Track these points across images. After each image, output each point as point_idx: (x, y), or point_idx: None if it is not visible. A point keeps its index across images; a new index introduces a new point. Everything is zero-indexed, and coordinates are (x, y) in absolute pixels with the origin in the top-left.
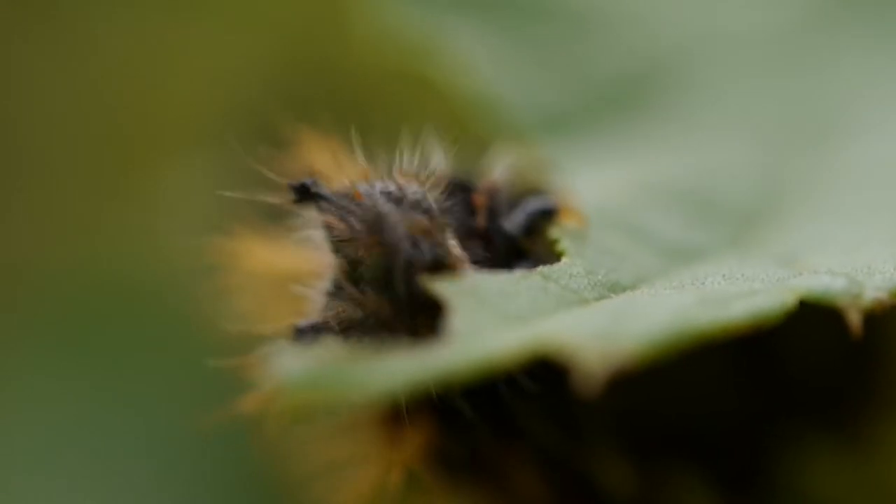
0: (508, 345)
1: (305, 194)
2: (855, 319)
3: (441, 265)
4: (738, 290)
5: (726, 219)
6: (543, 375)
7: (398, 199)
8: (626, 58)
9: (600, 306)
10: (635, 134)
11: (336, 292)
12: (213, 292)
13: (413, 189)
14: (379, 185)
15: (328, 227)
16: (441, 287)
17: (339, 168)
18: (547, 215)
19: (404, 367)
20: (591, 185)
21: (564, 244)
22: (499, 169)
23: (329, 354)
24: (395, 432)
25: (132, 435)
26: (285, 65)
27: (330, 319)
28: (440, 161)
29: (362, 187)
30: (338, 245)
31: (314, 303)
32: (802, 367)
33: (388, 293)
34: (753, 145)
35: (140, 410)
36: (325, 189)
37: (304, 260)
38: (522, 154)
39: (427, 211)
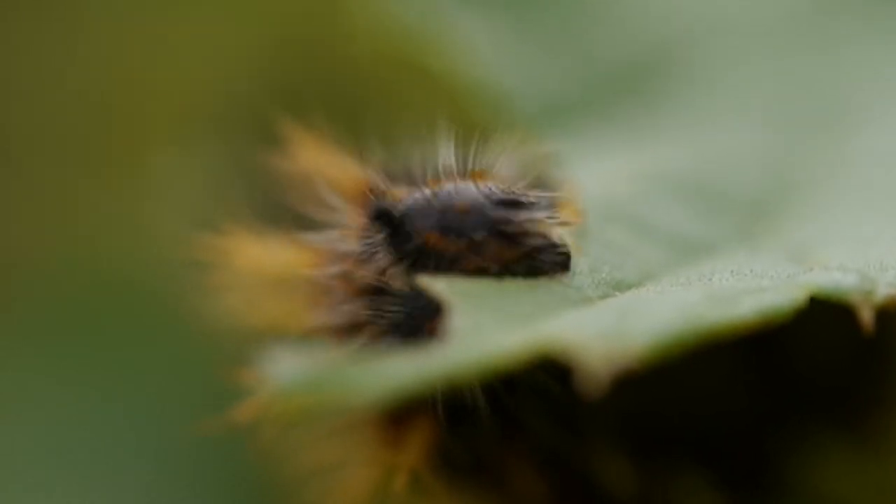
0: (510, 345)
1: (390, 220)
2: (867, 317)
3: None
4: (746, 286)
5: (734, 211)
6: (547, 375)
7: (513, 203)
8: (631, 46)
9: (605, 305)
10: (639, 123)
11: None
12: (206, 289)
13: (506, 190)
14: (481, 191)
15: (429, 248)
16: (439, 287)
17: (331, 160)
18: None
19: (403, 369)
20: (595, 176)
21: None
22: (504, 165)
23: (326, 357)
24: (395, 433)
25: (123, 435)
26: (279, 52)
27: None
28: (448, 156)
29: (460, 198)
30: (441, 262)
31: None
32: (811, 364)
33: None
34: (760, 135)
35: (132, 410)
36: (413, 209)
37: (301, 258)
38: (526, 147)
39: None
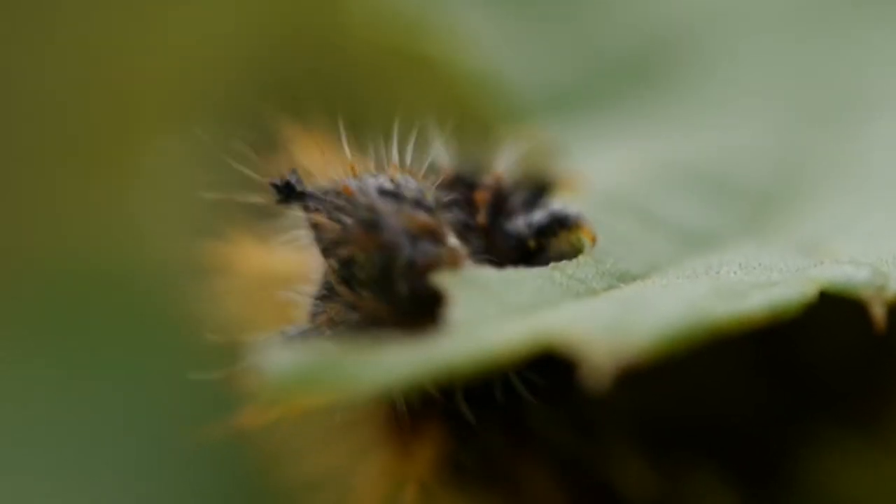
0: (511, 337)
1: (290, 193)
2: (879, 312)
3: (443, 264)
4: (755, 280)
5: (742, 202)
6: (553, 373)
7: (395, 195)
8: (634, 34)
9: (609, 297)
10: (645, 113)
11: (327, 295)
12: (195, 289)
13: (411, 184)
14: (373, 180)
15: (316, 227)
16: (440, 278)
17: (326, 157)
18: (563, 225)
19: (401, 360)
20: (600, 166)
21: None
22: (504, 160)
23: (321, 349)
24: (404, 441)
25: (116, 442)
26: (272, 41)
27: (322, 324)
28: (440, 152)
29: (353, 182)
30: (328, 245)
31: (303, 307)
32: (823, 361)
33: (387, 295)
34: (768, 124)
35: (125, 416)
36: (311, 186)
37: (292, 257)
38: (529, 139)
39: (426, 207)
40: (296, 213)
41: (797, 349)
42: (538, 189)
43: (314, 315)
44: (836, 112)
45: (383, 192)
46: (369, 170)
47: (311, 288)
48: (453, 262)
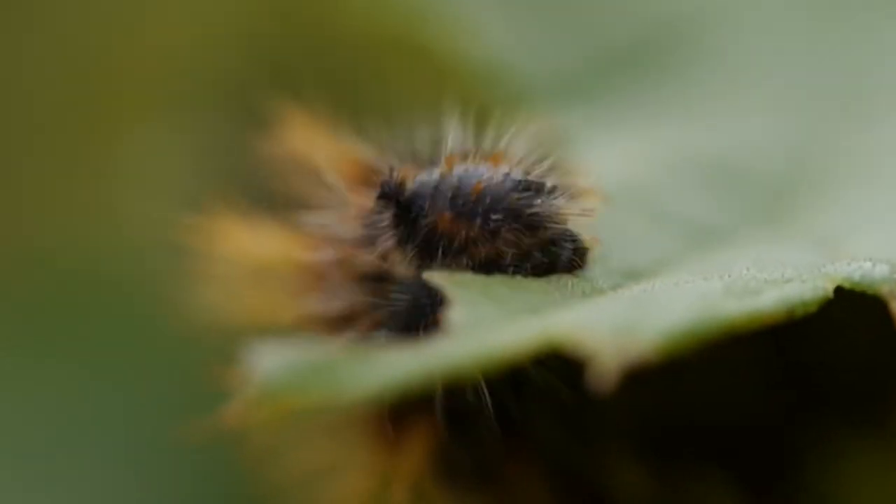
0: (516, 338)
1: (397, 196)
2: None
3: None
4: (768, 277)
5: (754, 195)
6: (552, 372)
7: (528, 187)
8: (641, 20)
9: (617, 296)
10: (652, 101)
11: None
12: (186, 280)
13: (530, 174)
14: (502, 174)
15: (430, 226)
16: (440, 278)
17: (324, 143)
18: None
19: (399, 364)
20: (605, 157)
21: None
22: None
23: (316, 351)
24: (394, 438)
25: (97, 438)
26: (268, 26)
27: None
28: (457, 139)
29: (483, 177)
30: (455, 246)
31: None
32: (831, 362)
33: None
34: (782, 114)
35: (107, 410)
36: (421, 185)
37: (284, 245)
38: (533, 128)
39: (557, 195)
40: (383, 209)
41: (804, 349)
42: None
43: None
44: (848, 102)
45: (518, 187)
46: (473, 162)
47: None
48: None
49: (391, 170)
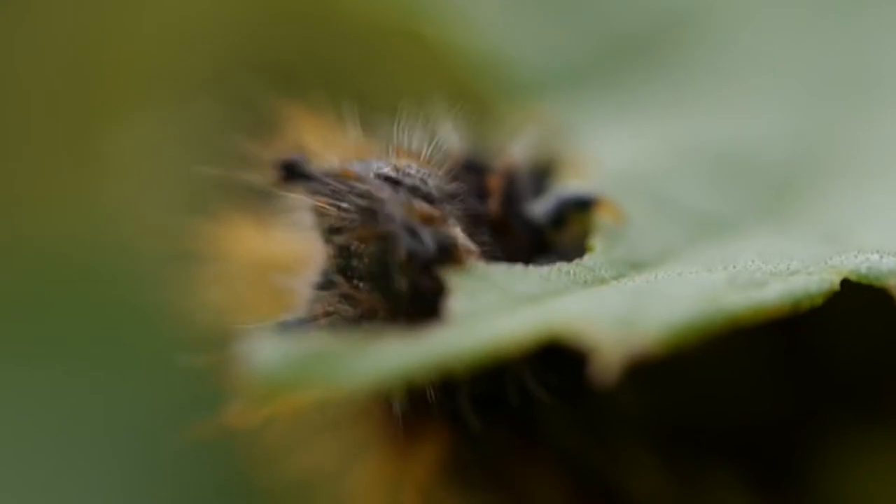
0: (516, 329)
1: (293, 173)
2: None
3: (446, 257)
4: (773, 269)
5: (760, 186)
6: (562, 372)
7: (396, 182)
8: (647, 7)
9: (619, 287)
10: (657, 91)
11: (325, 285)
12: (182, 278)
13: (414, 170)
14: (375, 165)
15: (318, 212)
16: (442, 272)
17: (324, 139)
18: (582, 206)
19: (398, 353)
20: (610, 147)
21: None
22: (517, 145)
23: (313, 341)
24: (404, 443)
25: (90, 443)
26: (263, 16)
27: (318, 315)
28: (448, 135)
29: (356, 166)
30: (328, 232)
31: (300, 296)
32: (845, 354)
33: (385, 289)
34: (787, 103)
35: (99, 411)
36: (315, 168)
37: (290, 244)
38: (541, 122)
39: (429, 195)
40: (297, 195)
41: (816, 344)
42: (545, 172)
43: (310, 305)
44: (857, 91)
45: (384, 178)
46: (375, 153)
47: (310, 275)
48: (457, 256)
49: (301, 151)
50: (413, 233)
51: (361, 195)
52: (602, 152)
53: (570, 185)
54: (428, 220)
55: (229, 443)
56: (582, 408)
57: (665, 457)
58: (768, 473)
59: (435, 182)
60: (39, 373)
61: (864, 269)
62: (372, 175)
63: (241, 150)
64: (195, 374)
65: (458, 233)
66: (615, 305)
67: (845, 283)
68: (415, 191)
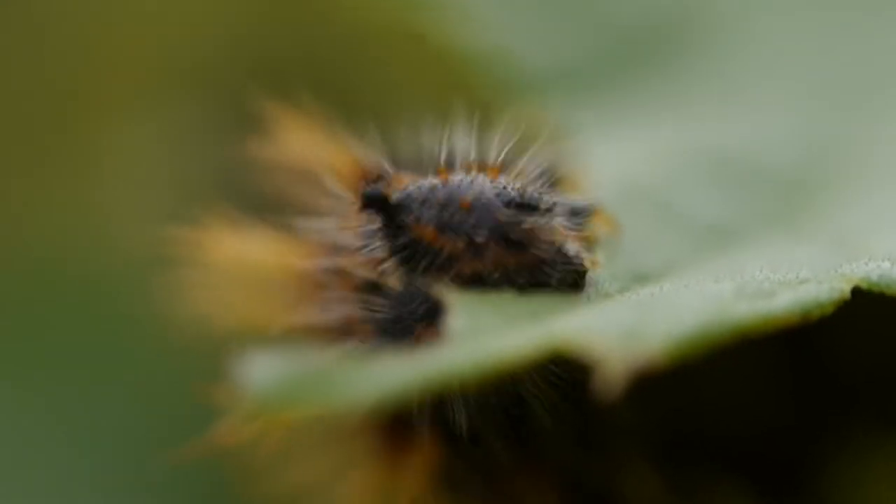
0: (518, 344)
1: (382, 203)
2: None
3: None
4: (782, 278)
5: (768, 190)
6: (559, 379)
7: (522, 206)
8: (652, 9)
9: (624, 300)
10: (661, 93)
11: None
12: (171, 284)
13: (529, 190)
14: (489, 188)
15: (414, 239)
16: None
17: (316, 143)
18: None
19: (396, 372)
20: (611, 152)
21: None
22: (530, 160)
23: (310, 360)
24: (395, 453)
25: (74, 456)
26: (258, 15)
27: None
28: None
29: (466, 191)
30: (440, 261)
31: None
32: (850, 365)
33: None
34: (795, 107)
35: (84, 425)
36: (402, 194)
37: (274, 249)
38: (534, 123)
39: (557, 214)
40: (365, 218)
41: (822, 350)
42: (547, 182)
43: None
44: (865, 96)
45: (508, 202)
46: (464, 172)
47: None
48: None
49: (381, 175)
50: (563, 257)
51: (503, 224)
52: (604, 157)
53: (566, 196)
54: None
55: (221, 456)
56: (579, 417)
57: (665, 466)
58: (773, 482)
59: (548, 198)
60: (25, 382)
61: (875, 277)
62: (498, 201)
63: (233, 153)
64: (187, 389)
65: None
66: (620, 318)
67: (853, 289)
68: (547, 212)
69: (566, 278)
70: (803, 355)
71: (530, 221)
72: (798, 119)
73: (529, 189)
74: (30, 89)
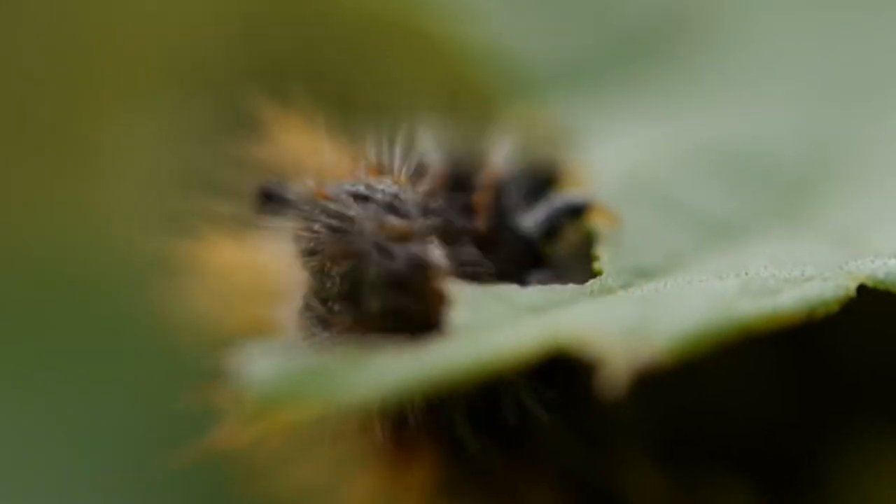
0: (520, 340)
1: (270, 200)
2: None
3: (420, 276)
4: (787, 275)
5: (771, 186)
6: (559, 377)
7: (366, 199)
8: (652, 5)
9: (627, 296)
10: (662, 89)
11: (304, 310)
12: (165, 289)
13: (387, 186)
14: (348, 184)
15: (294, 236)
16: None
17: (310, 145)
18: (574, 214)
19: (398, 367)
20: (613, 149)
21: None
22: (505, 152)
23: (308, 357)
24: (393, 453)
25: (74, 456)
26: (257, 16)
27: (298, 339)
28: (431, 146)
29: (330, 186)
30: (304, 255)
31: (283, 322)
32: (859, 359)
33: (357, 310)
34: (801, 102)
35: (83, 429)
36: (290, 192)
37: (274, 254)
38: (533, 121)
39: (403, 212)
40: (275, 221)
41: (826, 348)
42: (541, 178)
43: (291, 329)
44: (866, 94)
45: (354, 196)
46: (351, 171)
47: (293, 300)
48: (432, 274)
49: (277, 179)
50: (383, 250)
51: (332, 215)
52: (606, 153)
53: (563, 192)
54: (400, 237)
55: (221, 457)
56: (579, 418)
57: (668, 465)
58: (775, 481)
59: (411, 198)
60: (25, 382)
61: (881, 275)
62: (343, 194)
63: (229, 152)
64: (187, 386)
65: (432, 249)
66: (623, 315)
67: (859, 287)
68: (388, 207)
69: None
70: (806, 353)
71: (357, 211)
72: (799, 117)
73: (393, 189)
74: (28, 89)
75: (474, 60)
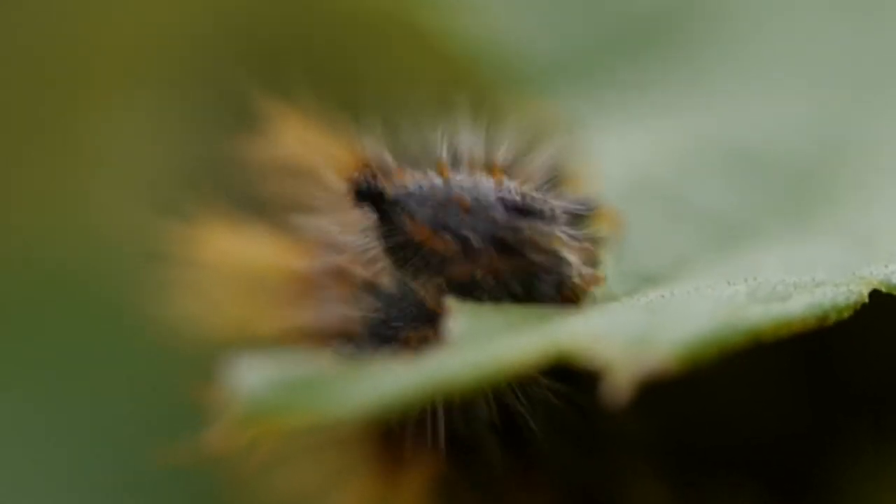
0: (521, 349)
1: (373, 195)
2: None
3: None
4: (797, 280)
5: (782, 188)
6: (561, 383)
7: (522, 210)
8: None
9: (631, 302)
10: (667, 83)
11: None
12: (157, 283)
13: (532, 195)
14: (491, 191)
15: (417, 243)
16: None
17: (308, 136)
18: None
19: (394, 379)
20: (617, 145)
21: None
22: (538, 159)
23: (303, 366)
24: (389, 459)
25: (73, 456)
26: (252, 4)
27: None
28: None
29: (464, 191)
30: (431, 262)
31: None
32: (868, 366)
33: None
34: (813, 98)
35: (72, 427)
36: (401, 190)
37: (268, 246)
38: (536, 116)
39: (556, 221)
40: (360, 213)
41: (834, 355)
42: (551, 180)
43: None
44: (877, 91)
45: (509, 207)
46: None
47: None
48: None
49: (374, 170)
50: (559, 264)
51: (499, 227)
52: (611, 150)
53: (568, 194)
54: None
55: (211, 463)
56: (581, 427)
57: (672, 475)
58: (783, 491)
59: (551, 204)
60: (24, 382)
61: (895, 280)
62: (498, 203)
63: (228, 146)
64: (175, 392)
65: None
66: (628, 322)
67: (873, 293)
68: (550, 219)
69: (563, 290)
70: (814, 361)
71: (530, 228)
72: (809, 113)
73: (532, 193)
74: (24, 85)
75: (476, 55)
